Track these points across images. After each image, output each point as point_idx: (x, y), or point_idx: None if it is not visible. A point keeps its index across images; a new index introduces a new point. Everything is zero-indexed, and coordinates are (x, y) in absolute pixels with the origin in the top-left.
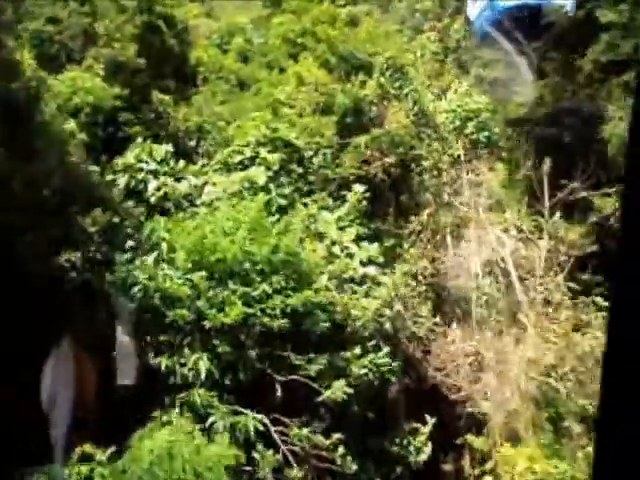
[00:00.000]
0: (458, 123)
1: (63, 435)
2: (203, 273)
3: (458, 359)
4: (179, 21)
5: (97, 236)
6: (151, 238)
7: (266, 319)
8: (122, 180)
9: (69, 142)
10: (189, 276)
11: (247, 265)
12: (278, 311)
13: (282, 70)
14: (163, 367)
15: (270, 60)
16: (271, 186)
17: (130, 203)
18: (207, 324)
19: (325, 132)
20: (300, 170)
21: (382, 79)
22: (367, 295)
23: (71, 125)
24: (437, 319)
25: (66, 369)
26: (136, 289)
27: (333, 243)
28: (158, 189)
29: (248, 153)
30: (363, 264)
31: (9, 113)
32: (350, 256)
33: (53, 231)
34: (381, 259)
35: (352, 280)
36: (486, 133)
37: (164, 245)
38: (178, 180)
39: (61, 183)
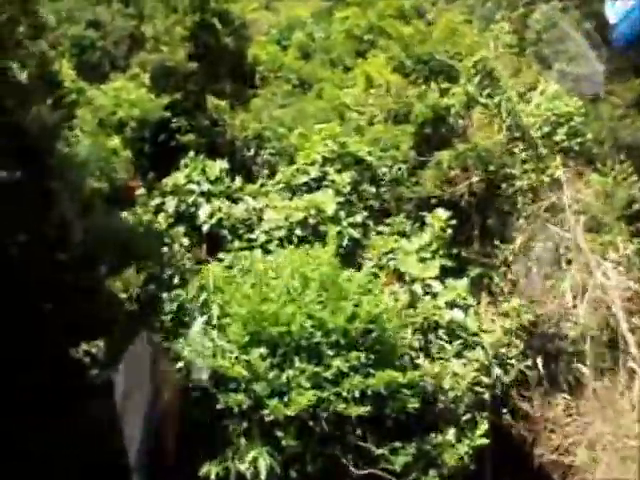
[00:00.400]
0: (547, 129)
1: (140, 432)
2: (262, 350)
3: (565, 431)
4: (236, 17)
5: (129, 303)
6: (199, 298)
7: (341, 405)
8: (171, 204)
9: (111, 161)
10: (245, 355)
11: (318, 337)
12: (356, 394)
13: (347, 69)
14: (213, 476)
15: (333, 57)
16: (341, 214)
17: (180, 229)
18: (267, 414)
19: (401, 145)
20: (373, 190)
21: (469, 86)
22: (459, 355)
23: (115, 142)
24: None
25: (142, 367)
26: (179, 365)
27: (413, 280)
28: (211, 215)
29: (314, 173)
30: (449, 305)
31: (18, 149)
32: (433, 296)
33: (68, 307)
34: (470, 300)
35: (437, 326)
36: (579, 140)
37: (215, 309)
38: (234, 201)
39: (82, 236)
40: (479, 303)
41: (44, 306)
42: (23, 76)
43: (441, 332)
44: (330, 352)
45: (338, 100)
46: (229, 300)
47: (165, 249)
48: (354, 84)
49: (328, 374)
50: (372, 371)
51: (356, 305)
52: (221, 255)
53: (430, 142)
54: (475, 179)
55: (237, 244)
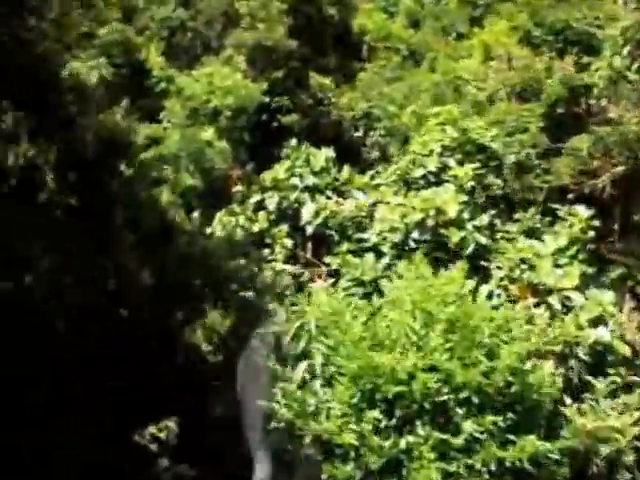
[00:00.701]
0: None
1: (258, 424)
2: (375, 413)
3: None
4: None
5: (212, 355)
6: (298, 343)
7: None
8: (272, 201)
9: (205, 153)
10: (356, 420)
11: (444, 395)
12: (492, 466)
13: (460, 37)
14: None
15: (445, 25)
16: (465, 216)
17: (283, 228)
18: None
19: (529, 127)
20: (498, 181)
21: (617, 60)
22: (613, 394)
23: (208, 133)
24: None
25: (258, 359)
26: (271, 425)
27: (549, 292)
28: (316, 214)
29: (432, 165)
30: (592, 323)
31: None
32: (573, 310)
33: (130, 373)
34: (617, 315)
35: (579, 346)
36: None
37: (318, 357)
38: (341, 195)
39: (151, 280)
40: (621, 310)
41: (95, 374)
42: (93, 77)
43: (582, 353)
44: (459, 411)
45: (453, 73)
46: (335, 347)
47: (266, 251)
48: (470, 55)
49: (457, 441)
50: (512, 437)
51: (490, 355)
52: (327, 259)
53: (563, 125)
54: (620, 168)
55: (345, 246)
